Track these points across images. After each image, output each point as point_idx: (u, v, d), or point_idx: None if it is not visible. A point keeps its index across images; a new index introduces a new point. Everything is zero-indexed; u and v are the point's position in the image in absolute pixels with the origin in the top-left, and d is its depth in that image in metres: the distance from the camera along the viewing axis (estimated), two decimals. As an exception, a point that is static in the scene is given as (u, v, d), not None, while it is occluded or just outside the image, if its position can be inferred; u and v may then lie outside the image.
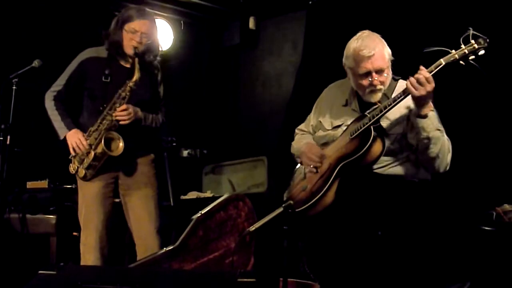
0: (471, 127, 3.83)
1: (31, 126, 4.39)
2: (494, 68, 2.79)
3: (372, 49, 2.82)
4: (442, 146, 2.79)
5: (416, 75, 2.69)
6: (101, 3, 4.95)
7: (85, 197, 3.49)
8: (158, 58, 3.62)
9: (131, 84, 3.35)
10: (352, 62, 2.89)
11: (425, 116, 2.74)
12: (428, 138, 2.75)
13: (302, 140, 3.24)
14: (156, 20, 3.59)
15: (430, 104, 2.75)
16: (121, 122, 3.35)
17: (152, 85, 3.59)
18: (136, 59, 3.38)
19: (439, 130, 2.78)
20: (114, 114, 3.35)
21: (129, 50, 3.43)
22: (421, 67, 2.70)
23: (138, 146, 3.55)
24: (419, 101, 2.72)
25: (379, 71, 2.86)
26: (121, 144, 3.37)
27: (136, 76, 3.35)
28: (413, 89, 2.68)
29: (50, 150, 4.23)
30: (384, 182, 2.89)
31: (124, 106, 3.35)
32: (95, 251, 3.43)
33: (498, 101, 3.76)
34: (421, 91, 2.67)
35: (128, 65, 3.45)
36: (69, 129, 3.43)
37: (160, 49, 3.61)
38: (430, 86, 2.67)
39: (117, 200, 3.60)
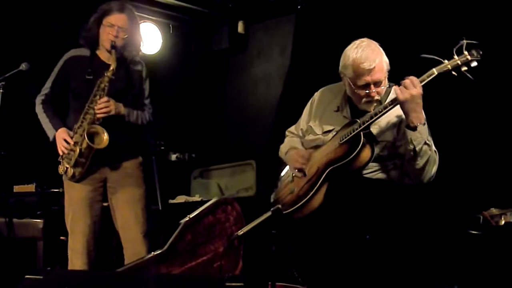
0: (459, 133, 3.86)
1: (18, 129, 4.36)
2: (483, 76, 2.80)
3: (372, 61, 2.79)
4: (428, 160, 2.78)
5: (404, 81, 2.71)
6: (89, 6, 4.93)
7: (71, 201, 3.47)
8: (140, 53, 3.62)
9: (108, 74, 3.36)
10: (351, 73, 2.86)
11: (414, 128, 2.73)
12: (415, 151, 2.75)
13: (289, 144, 3.24)
14: (143, 22, 3.60)
15: (421, 116, 2.74)
16: (99, 115, 3.33)
17: (134, 80, 3.58)
18: (113, 51, 3.38)
19: (427, 144, 2.76)
20: (95, 107, 3.34)
21: (106, 44, 3.44)
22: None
23: (126, 147, 3.54)
24: (405, 106, 2.71)
25: (377, 83, 2.84)
26: (106, 137, 3.35)
27: (113, 65, 3.36)
28: (399, 93, 2.70)
29: (37, 153, 4.21)
30: (372, 186, 2.90)
31: (104, 98, 3.35)
32: (83, 256, 3.41)
33: (486, 108, 3.79)
34: (405, 94, 2.68)
35: (110, 62, 3.44)
36: (56, 129, 3.42)
37: (141, 45, 3.61)
38: (416, 90, 2.67)
39: (105, 204, 3.58)
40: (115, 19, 3.43)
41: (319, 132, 3.10)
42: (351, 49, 2.88)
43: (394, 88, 2.75)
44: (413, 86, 2.67)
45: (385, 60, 2.87)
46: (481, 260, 3.16)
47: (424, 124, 2.75)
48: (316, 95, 3.27)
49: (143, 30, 3.70)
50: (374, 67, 2.80)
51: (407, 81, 2.68)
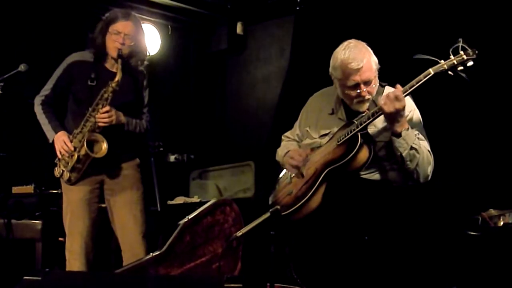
0: (457, 134, 3.86)
1: (16, 130, 4.36)
2: (480, 76, 2.81)
3: (360, 61, 2.82)
4: (419, 162, 2.81)
5: (388, 93, 2.75)
6: (87, 7, 4.94)
7: (69, 202, 3.47)
8: (146, 62, 3.61)
9: (113, 84, 3.34)
10: (340, 74, 2.89)
11: (399, 135, 2.77)
12: (402, 157, 2.79)
13: (287, 147, 3.24)
14: (142, 24, 3.59)
15: (404, 122, 2.78)
16: (99, 124, 3.33)
17: (136, 89, 3.58)
18: (119, 60, 3.37)
19: (414, 148, 2.79)
20: (97, 116, 3.34)
21: (113, 52, 3.42)
22: (397, 85, 2.75)
23: (123, 150, 3.54)
24: (389, 117, 2.75)
25: (367, 82, 2.86)
26: (105, 146, 3.35)
27: (118, 76, 3.34)
28: (384, 106, 2.73)
29: (36, 155, 4.21)
30: (370, 187, 2.90)
31: (107, 108, 3.34)
32: (81, 257, 3.41)
33: (484, 109, 3.79)
34: (390, 107, 2.71)
35: (114, 69, 3.44)
36: (56, 131, 3.42)
37: (147, 53, 3.60)
38: (399, 104, 2.70)
39: (103, 205, 3.58)
40: (122, 26, 3.41)
41: (316, 135, 3.10)
42: (339, 51, 2.92)
43: (379, 101, 2.76)
44: (398, 100, 2.70)
45: (374, 59, 2.89)
46: (479, 261, 3.16)
47: (408, 129, 2.78)
48: (310, 100, 3.29)
49: (147, 37, 3.69)
50: (362, 67, 2.82)
51: (392, 94, 2.72)
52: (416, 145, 2.79)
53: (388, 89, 2.96)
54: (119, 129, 3.44)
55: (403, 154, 2.77)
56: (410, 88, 2.74)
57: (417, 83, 2.72)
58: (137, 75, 3.60)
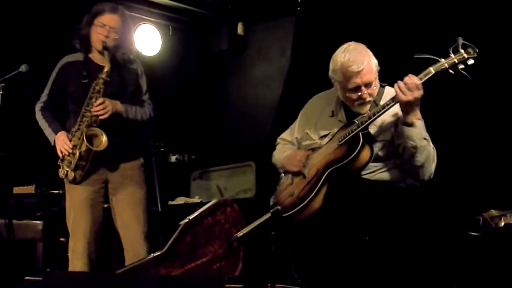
0: (458, 134, 3.86)
1: (17, 131, 4.36)
2: (481, 76, 2.80)
3: (360, 63, 2.81)
4: (427, 155, 2.80)
5: (406, 80, 2.71)
6: (87, 7, 4.93)
7: (73, 202, 3.47)
8: (131, 56, 3.61)
9: (103, 75, 3.36)
10: (341, 77, 2.88)
11: (411, 125, 2.75)
12: (415, 147, 2.76)
13: (284, 151, 3.24)
14: (142, 24, 3.61)
15: (418, 113, 2.77)
16: (100, 117, 3.34)
17: (127, 79, 3.58)
18: (106, 52, 3.39)
19: (425, 139, 2.78)
20: (92, 110, 3.34)
21: (97, 45, 3.44)
22: (410, 75, 2.72)
23: (125, 146, 3.54)
24: (406, 107, 2.73)
25: (368, 85, 2.86)
26: (104, 138, 3.36)
27: (107, 67, 3.36)
28: (401, 94, 2.70)
29: (37, 155, 4.21)
30: (371, 187, 2.90)
31: (100, 100, 3.35)
32: (83, 257, 3.41)
33: (485, 109, 3.79)
34: (409, 97, 2.69)
35: (104, 63, 3.45)
36: (56, 133, 3.43)
37: (132, 46, 3.62)
38: (419, 93, 2.69)
39: (106, 205, 3.58)
40: (107, 19, 3.43)
41: (316, 137, 3.10)
42: (338, 54, 2.91)
43: (395, 87, 2.75)
44: (417, 89, 2.69)
45: (374, 61, 2.89)
46: (480, 262, 3.16)
47: (420, 119, 2.78)
48: (309, 103, 3.29)
49: (136, 32, 3.70)
50: (363, 69, 2.82)
51: (412, 83, 2.69)
52: (427, 137, 2.79)
53: (388, 89, 2.96)
54: (118, 122, 3.44)
55: (416, 144, 2.75)
56: (410, 87, 2.74)
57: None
58: (129, 65, 3.60)
